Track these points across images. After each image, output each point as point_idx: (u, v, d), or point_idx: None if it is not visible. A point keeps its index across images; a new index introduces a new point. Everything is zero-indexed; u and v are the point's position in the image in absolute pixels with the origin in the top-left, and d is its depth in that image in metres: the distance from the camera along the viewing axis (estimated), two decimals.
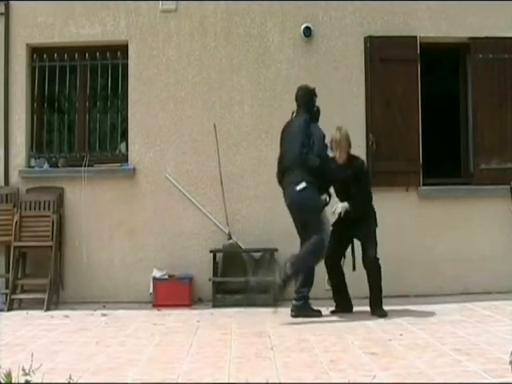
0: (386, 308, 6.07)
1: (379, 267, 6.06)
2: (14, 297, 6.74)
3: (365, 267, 6.06)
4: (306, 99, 6.11)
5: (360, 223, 6.06)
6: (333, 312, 6.16)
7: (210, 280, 6.78)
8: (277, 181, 6.13)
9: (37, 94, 7.41)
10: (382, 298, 6.07)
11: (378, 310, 6.01)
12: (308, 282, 6.05)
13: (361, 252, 6.13)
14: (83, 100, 7.48)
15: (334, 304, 6.25)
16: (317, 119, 6.09)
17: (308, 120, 6.00)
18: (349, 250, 6.23)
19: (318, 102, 6.18)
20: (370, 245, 6.07)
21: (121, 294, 7.02)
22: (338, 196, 6.18)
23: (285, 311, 6.24)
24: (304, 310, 6.01)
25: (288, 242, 6.44)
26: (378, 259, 6.05)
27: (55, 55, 7.37)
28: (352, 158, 6.19)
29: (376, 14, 7.26)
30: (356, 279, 6.14)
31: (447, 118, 7.64)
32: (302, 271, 5.98)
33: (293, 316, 5.97)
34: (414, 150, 7.13)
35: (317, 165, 5.87)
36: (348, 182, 6.08)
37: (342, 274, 6.22)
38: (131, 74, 7.27)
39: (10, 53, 7.23)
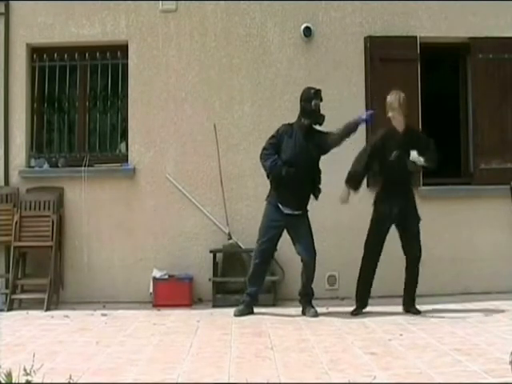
0: (385, 308, 6.08)
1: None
2: (14, 297, 6.74)
3: (409, 263, 6.06)
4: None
5: (409, 215, 6.03)
6: (355, 314, 6.06)
7: (210, 280, 6.79)
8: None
9: (37, 93, 7.41)
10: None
11: (413, 307, 6.05)
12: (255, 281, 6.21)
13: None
14: (83, 100, 7.48)
15: (356, 304, 6.14)
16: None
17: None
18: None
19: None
20: (417, 240, 6.06)
21: (121, 294, 7.02)
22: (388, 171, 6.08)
23: (283, 311, 6.26)
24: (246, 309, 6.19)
25: (288, 243, 6.44)
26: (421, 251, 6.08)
27: (55, 55, 7.37)
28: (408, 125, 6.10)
29: (376, 14, 7.26)
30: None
31: (447, 118, 7.63)
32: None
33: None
34: None
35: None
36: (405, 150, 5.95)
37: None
38: (131, 74, 7.27)
39: (10, 53, 7.22)
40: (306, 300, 6.21)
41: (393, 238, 6.34)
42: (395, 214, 6.01)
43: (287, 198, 6.10)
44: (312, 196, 6.26)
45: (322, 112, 6.15)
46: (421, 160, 5.91)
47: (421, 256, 6.08)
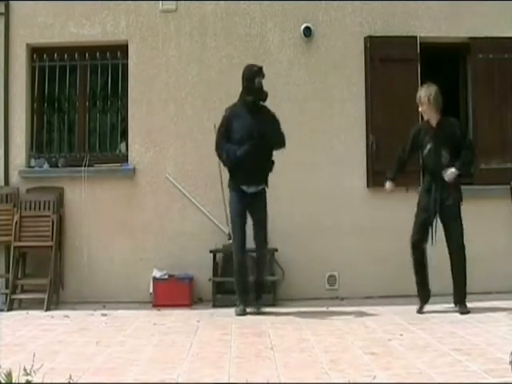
0: (385, 308, 6.08)
1: (465, 256, 6.03)
2: (14, 297, 6.74)
3: (450, 254, 6.04)
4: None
5: (447, 201, 6.01)
6: (422, 312, 6.03)
7: (209, 280, 6.78)
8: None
9: (37, 93, 7.41)
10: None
11: (461, 306, 5.98)
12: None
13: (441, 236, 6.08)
14: (83, 100, 7.48)
15: (420, 302, 6.10)
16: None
17: None
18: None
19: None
20: (456, 228, 6.03)
21: (121, 294, 7.02)
22: (427, 166, 6.14)
23: (283, 311, 6.26)
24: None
25: (288, 242, 6.45)
26: (464, 246, 6.02)
27: (55, 55, 7.37)
28: (442, 119, 6.08)
29: (376, 14, 7.26)
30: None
31: None
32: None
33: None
34: None
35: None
36: (439, 146, 5.98)
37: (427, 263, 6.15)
38: (131, 74, 7.27)
39: (10, 53, 7.23)
40: (256, 290, 6.30)
41: (393, 238, 6.36)
42: (433, 207, 6.01)
43: (248, 177, 6.17)
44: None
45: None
46: (453, 172, 5.93)
47: (460, 251, 6.04)
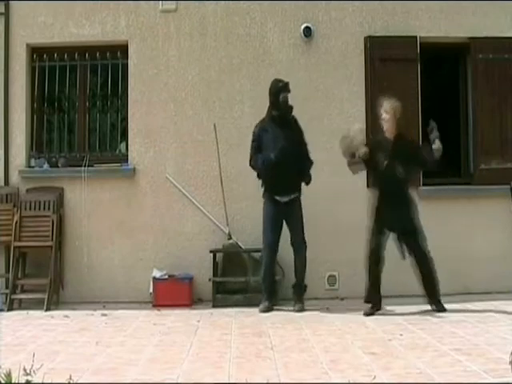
0: (386, 308, 6.07)
1: (431, 259, 6.15)
2: (14, 297, 6.74)
3: (416, 262, 6.12)
4: None
5: (405, 209, 6.06)
6: (369, 314, 6.03)
7: (209, 280, 6.78)
8: None
9: (37, 93, 7.41)
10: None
11: (437, 305, 6.08)
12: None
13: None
14: (83, 100, 7.48)
15: (370, 304, 6.14)
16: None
17: None
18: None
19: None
20: (416, 237, 6.09)
21: (121, 294, 7.02)
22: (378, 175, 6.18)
23: (283, 311, 6.26)
24: None
25: (288, 243, 6.44)
26: (428, 252, 6.13)
27: (55, 55, 7.37)
28: (399, 135, 6.14)
29: (376, 14, 7.26)
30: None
31: (447, 118, 7.62)
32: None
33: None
34: None
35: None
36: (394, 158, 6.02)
37: (381, 269, 6.20)
38: (131, 74, 7.27)
39: (10, 53, 7.23)
40: (297, 293, 6.40)
41: (391, 238, 6.34)
42: (392, 223, 6.07)
43: (281, 187, 6.34)
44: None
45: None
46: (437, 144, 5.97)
47: (425, 258, 6.14)
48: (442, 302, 6.13)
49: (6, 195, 7.12)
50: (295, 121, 6.49)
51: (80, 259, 7.10)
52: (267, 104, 6.91)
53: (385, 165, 6.06)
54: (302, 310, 6.28)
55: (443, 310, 6.05)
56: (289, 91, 6.42)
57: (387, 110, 6.12)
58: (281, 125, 6.39)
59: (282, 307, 6.45)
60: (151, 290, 6.86)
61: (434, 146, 5.97)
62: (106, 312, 6.41)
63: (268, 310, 6.30)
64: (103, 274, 7.10)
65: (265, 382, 3.79)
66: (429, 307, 6.18)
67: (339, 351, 4.63)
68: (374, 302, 6.11)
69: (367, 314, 6.00)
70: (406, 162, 6.05)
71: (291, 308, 6.34)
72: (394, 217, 6.02)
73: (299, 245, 6.43)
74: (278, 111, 6.41)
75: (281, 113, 6.41)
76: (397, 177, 6.03)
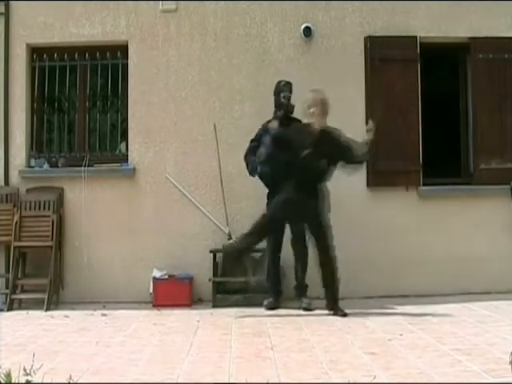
0: (386, 308, 6.06)
1: (335, 263, 6.07)
2: (14, 297, 6.74)
3: (319, 261, 6.08)
4: None
5: (313, 202, 5.99)
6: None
7: (209, 280, 6.78)
8: None
9: (37, 93, 7.41)
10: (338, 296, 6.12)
11: (336, 311, 6.04)
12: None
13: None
14: (83, 100, 7.48)
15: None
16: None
17: None
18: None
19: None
20: (322, 236, 6.03)
21: (121, 294, 7.02)
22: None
23: (283, 311, 6.26)
24: None
25: (288, 243, 6.44)
26: (333, 255, 6.07)
27: (55, 55, 7.37)
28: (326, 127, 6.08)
29: (376, 13, 7.26)
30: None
31: (447, 118, 7.63)
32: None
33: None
34: (414, 149, 7.13)
35: None
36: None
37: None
38: (131, 74, 7.27)
39: (10, 53, 7.22)
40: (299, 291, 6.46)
41: (387, 238, 6.37)
42: (295, 214, 6.04)
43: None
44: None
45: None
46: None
47: (329, 260, 6.07)
48: (443, 301, 6.13)
49: (6, 195, 7.12)
50: (298, 122, 6.42)
51: (80, 259, 7.10)
52: (267, 104, 6.93)
53: (304, 154, 5.95)
54: (310, 305, 6.28)
55: (343, 314, 5.95)
56: (290, 91, 6.47)
57: (316, 102, 6.06)
58: (284, 124, 6.34)
59: (281, 307, 6.45)
60: (151, 290, 6.86)
61: (361, 141, 5.97)
62: (105, 312, 6.41)
63: (274, 307, 6.36)
64: (103, 274, 7.10)
65: (265, 382, 3.79)
66: (428, 307, 6.19)
67: (339, 351, 4.63)
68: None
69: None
70: (329, 156, 5.96)
71: (292, 308, 6.34)
72: (299, 208, 5.96)
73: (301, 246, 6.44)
74: (280, 109, 6.47)
75: (284, 112, 6.43)
76: (314, 168, 5.94)
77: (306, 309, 6.26)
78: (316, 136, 6.02)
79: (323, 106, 6.04)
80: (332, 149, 5.97)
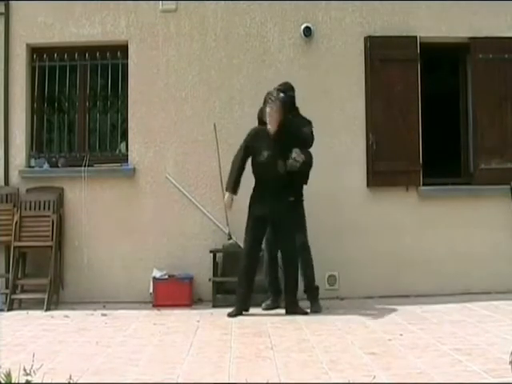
0: (385, 308, 6.06)
1: (298, 265, 6.15)
2: (14, 297, 6.74)
3: (283, 261, 6.14)
4: None
5: (281, 201, 6.05)
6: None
7: (209, 280, 6.78)
8: None
9: (37, 93, 7.40)
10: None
11: (292, 307, 6.10)
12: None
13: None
14: (83, 100, 7.47)
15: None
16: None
17: None
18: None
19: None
20: (288, 237, 6.09)
21: (121, 294, 7.01)
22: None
23: (283, 311, 6.25)
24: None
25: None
26: (297, 256, 6.14)
27: (55, 55, 7.36)
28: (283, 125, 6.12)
29: (376, 13, 7.26)
30: None
31: (447, 118, 7.63)
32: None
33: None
34: (414, 149, 7.13)
35: None
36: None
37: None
38: (131, 74, 7.27)
39: (10, 53, 7.22)
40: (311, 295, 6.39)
41: (387, 238, 6.36)
42: (268, 215, 6.08)
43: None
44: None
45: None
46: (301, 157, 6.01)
47: (293, 261, 6.15)
48: (443, 301, 6.13)
49: (6, 195, 7.12)
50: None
51: (80, 259, 7.10)
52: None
53: (266, 156, 6.06)
54: (319, 310, 6.24)
55: (302, 313, 6.02)
56: (283, 92, 6.35)
57: (265, 99, 6.11)
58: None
59: (281, 307, 6.45)
60: (151, 290, 6.86)
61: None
62: (105, 312, 6.41)
63: (272, 307, 6.36)
64: (103, 274, 7.09)
65: (265, 382, 3.79)
66: (428, 307, 6.19)
67: (339, 351, 4.63)
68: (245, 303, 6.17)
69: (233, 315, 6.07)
70: (288, 156, 6.03)
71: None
72: (268, 207, 6.02)
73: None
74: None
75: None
76: (277, 169, 6.03)
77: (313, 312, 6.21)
78: (272, 138, 6.11)
79: (280, 108, 6.08)
80: (289, 149, 6.03)
